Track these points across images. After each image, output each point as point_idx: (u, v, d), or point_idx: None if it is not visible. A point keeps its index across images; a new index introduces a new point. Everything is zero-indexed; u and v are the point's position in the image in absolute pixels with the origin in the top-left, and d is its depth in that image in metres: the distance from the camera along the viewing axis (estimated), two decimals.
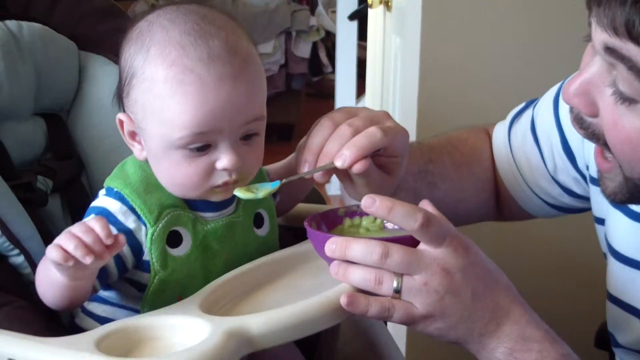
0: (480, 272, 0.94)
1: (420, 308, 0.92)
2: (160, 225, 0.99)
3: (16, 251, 1.07)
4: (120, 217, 0.99)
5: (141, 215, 0.99)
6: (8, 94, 1.22)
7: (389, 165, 1.10)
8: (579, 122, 0.93)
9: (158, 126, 0.98)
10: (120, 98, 1.04)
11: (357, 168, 1.03)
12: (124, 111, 1.04)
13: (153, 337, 0.91)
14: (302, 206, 1.33)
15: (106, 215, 0.98)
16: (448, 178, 1.26)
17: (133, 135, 1.04)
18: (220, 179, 1.00)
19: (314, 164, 1.06)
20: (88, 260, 0.87)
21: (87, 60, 1.33)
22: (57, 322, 1.08)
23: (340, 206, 1.10)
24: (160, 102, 0.96)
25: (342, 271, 0.94)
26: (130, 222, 0.99)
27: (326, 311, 0.92)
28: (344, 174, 1.08)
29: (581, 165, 1.18)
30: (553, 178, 1.23)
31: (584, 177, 1.19)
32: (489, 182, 1.32)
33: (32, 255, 1.08)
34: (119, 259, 0.98)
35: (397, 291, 0.92)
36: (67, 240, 0.88)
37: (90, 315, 1.06)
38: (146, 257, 1.00)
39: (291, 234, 1.26)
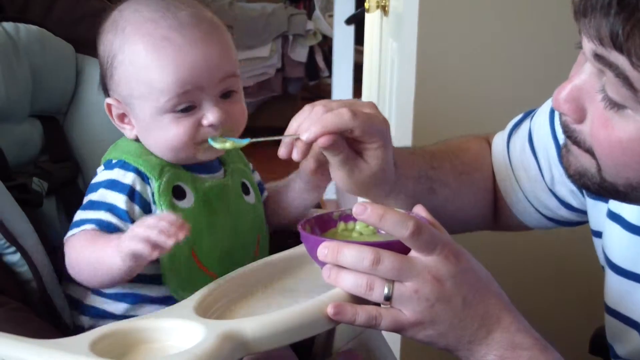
0: (471, 280, 0.95)
1: (410, 315, 0.92)
2: (164, 179, 1.07)
3: (12, 249, 1.07)
4: (127, 181, 1.06)
5: (145, 172, 1.07)
6: (5, 96, 1.22)
7: (365, 151, 1.09)
8: (565, 128, 0.94)
9: (145, 95, 1.07)
10: (104, 85, 1.12)
11: (321, 141, 1.04)
12: (110, 96, 1.12)
13: (148, 340, 0.90)
14: None
15: (113, 184, 1.06)
16: (448, 185, 1.26)
17: (122, 117, 1.13)
18: (207, 134, 1.08)
19: (289, 144, 1.07)
20: (170, 243, 0.93)
21: (84, 63, 1.33)
22: (53, 324, 1.08)
23: (335, 209, 1.10)
24: (143, 71, 1.06)
25: (334, 275, 0.94)
26: (136, 184, 1.06)
27: (321, 315, 0.92)
28: (318, 153, 1.11)
29: None
30: (550, 190, 1.23)
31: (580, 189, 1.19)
32: (488, 192, 1.31)
33: (29, 253, 1.08)
34: (128, 216, 1.05)
35: (388, 298, 0.92)
36: (147, 229, 0.94)
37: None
38: (156, 211, 1.06)
39: (287, 236, 1.27)
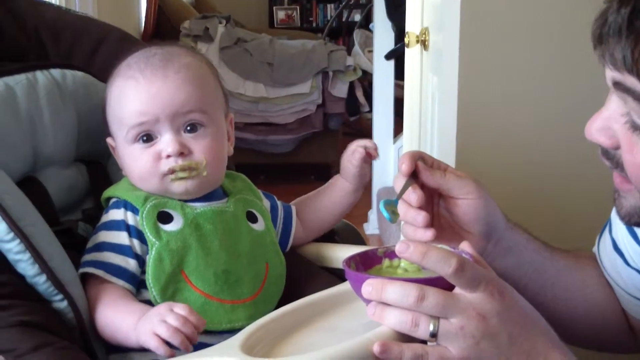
0: (517, 316, 0.94)
1: (457, 352, 0.92)
2: (148, 205, 1.16)
3: (60, 296, 1.08)
4: (119, 217, 1.16)
5: (131, 202, 1.17)
6: (52, 141, 1.24)
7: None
8: (605, 154, 0.96)
9: (117, 128, 1.20)
10: (106, 128, 1.24)
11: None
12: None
13: None
14: (340, 247, 1.33)
15: (110, 224, 1.17)
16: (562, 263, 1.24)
17: None
18: (167, 165, 1.17)
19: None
20: (190, 348, 1.01)
21: None
22: None
23: (379, 246, 1.10)
24: (114, 106, 1.20)
25: (378, 313, 0.94)
26: (128, 218, 1.16)
27: (367, 353, 0.91)
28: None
29: None
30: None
31: None
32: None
33: (75, 300, 1.10)
34: (133, 252, 1.14)
35: (434, 334, 0.91)
36: (171, 334, 1.01)
37: None
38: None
39: (335, 275, 1.27)
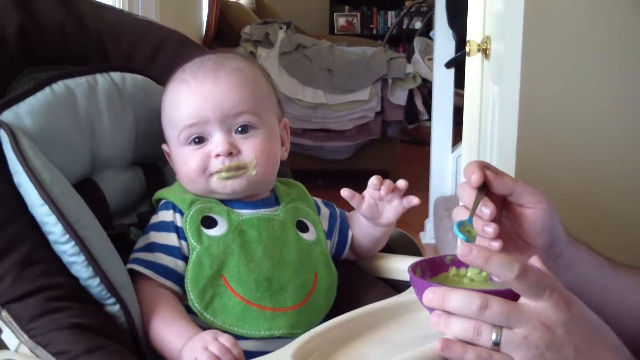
0: (584, 329, 0.91)
1: None
2: (193, 209, 1.17)
3: (112, 300, 1.09)
4: (168, 219, 1.17)
5: (177, 205, 1.18)
6: (110, 144, 1.25)
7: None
8: None
9: (170, 131, 1.22)
10: (161, 132, 1.25)
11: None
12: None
13: None
14: (397, 257, 1.32)
15: (160, 225, 1.18)
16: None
17: None
18: (215, 166, 1.18)
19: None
20: None
21: None
22: None
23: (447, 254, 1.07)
24: (167, 110, 1.22)
25: (442, 321, 0.92)
26: (176, 220, 1.17)
27: None
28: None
29: None
30: None
31: None
32: None
33: (127, 304, 1.10)
34: (182, 254, 1.14)
35: (497, 343, 0.90)
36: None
37: None
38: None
39: (390, 285, 1.25)
